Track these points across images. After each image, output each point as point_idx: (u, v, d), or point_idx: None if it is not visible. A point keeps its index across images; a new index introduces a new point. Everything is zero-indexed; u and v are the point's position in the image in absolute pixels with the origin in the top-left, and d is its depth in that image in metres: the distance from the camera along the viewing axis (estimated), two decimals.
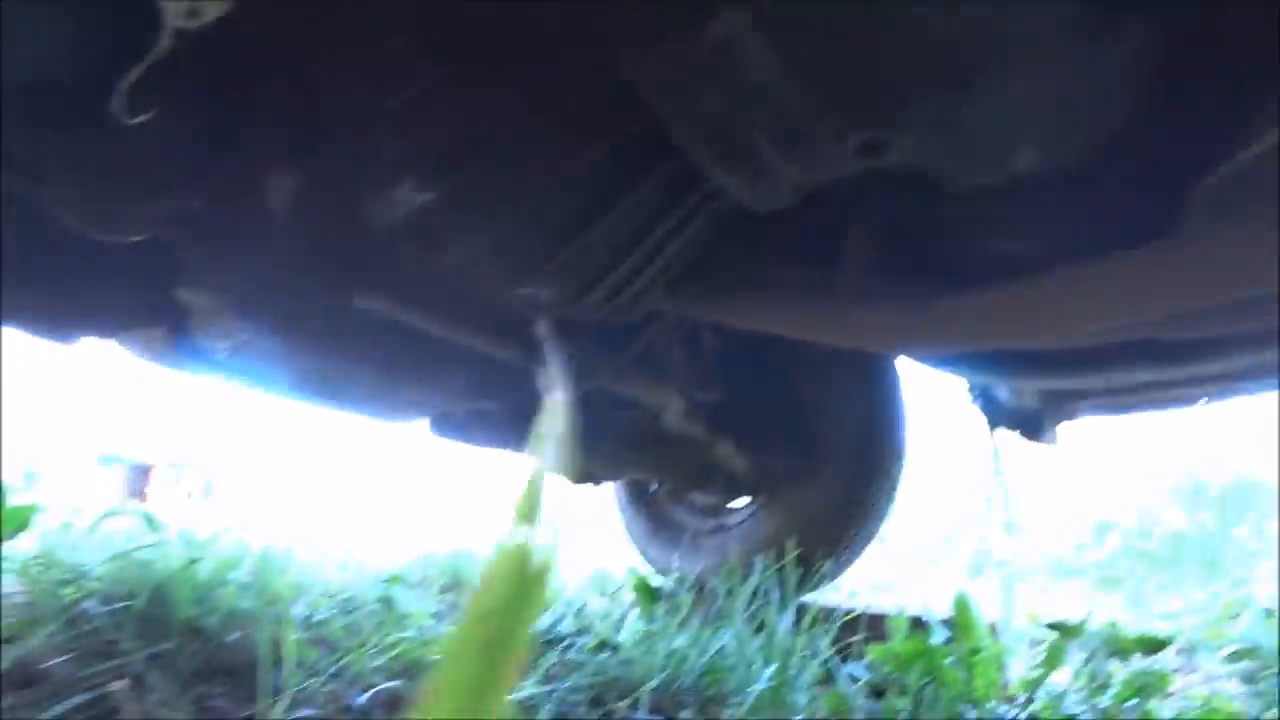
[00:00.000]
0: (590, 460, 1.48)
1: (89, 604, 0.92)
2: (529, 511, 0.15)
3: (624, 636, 1.24)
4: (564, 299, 0.81)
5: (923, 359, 1.32)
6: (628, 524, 1.91)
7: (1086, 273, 0.79)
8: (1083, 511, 3.54)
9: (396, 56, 0.60)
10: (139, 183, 0.69)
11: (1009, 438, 1.76)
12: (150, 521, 1.05)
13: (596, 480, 1.61)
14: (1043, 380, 1.39)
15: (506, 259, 0.72)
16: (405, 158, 0.64)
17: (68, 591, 0.97)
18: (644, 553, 1.91)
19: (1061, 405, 1.66)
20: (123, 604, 0.93)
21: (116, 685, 0.76)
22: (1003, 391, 1.61)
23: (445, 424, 1.41)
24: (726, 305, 1.01)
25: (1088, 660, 1.03)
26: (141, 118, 0.52)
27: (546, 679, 0.99)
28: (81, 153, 0.68)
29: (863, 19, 0.50)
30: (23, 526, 0.99)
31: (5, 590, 1.04)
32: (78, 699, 0.71)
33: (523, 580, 0.14)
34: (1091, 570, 3.22)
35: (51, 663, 0.80)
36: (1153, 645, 1.22)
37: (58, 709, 0.68)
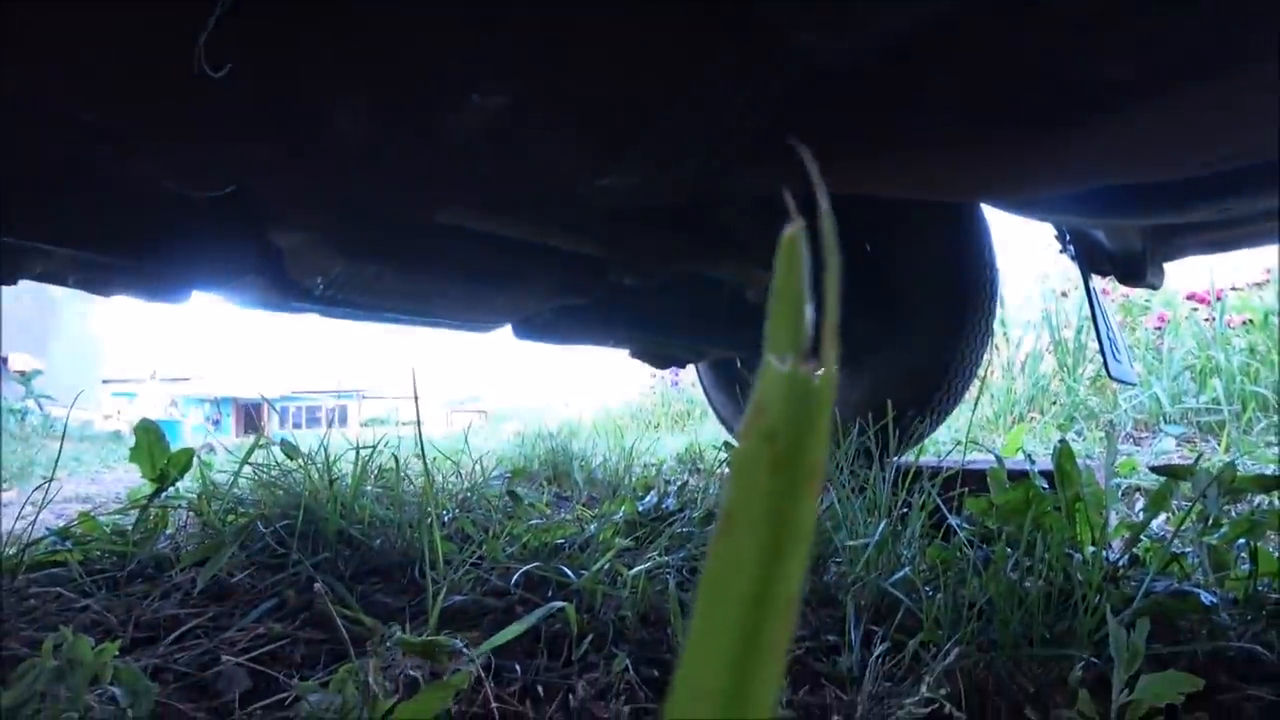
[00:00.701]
0: (674, 341, 1.50)
1: (254, 526, 1.02)
2: (793, 334, 0.15)
3: None
4: (645, 185, 0.80)
5: (1012, 206, 1.25)
6: (715, 403, 1.96)
7: (1188, 99, 0.72)
8: (1181, 358, 3.40)
9: None
10: (215, 131, 0.70)
11: (1106, 282, 1.67)
12: (290, 449, 1.15)
13: (681, 362, 1.64)
14: (1147, 217, 1.31)
15: (585, 152, 0.71)
16: (475, 63, 0.63)
17: (233, 518, 1.08)
18: (733, 429, 1.96)
19: (1168, 243, 1.57)
20: (282, 523, 1.03)
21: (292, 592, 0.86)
22: (1100, 233, 1.53)
23: (529, 326, 1.45)
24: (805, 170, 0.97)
25: (1195, 501, 1.02)
26: (222, 71, 0.53)
27: (665, 551, 1.06)
28: (159, 115, 0.69)
29: None
30: (186, 468, 1.10)
31: (183, 523, 1.16)
32: (266, 604, 0.81)
33: (804, 398, 0.14)
34: (1192, 417, 3.12)
35: (238, 577, 0.91)
36: (1267, 484, 1.19)
37: (254, 614, 0.78)
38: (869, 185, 0.96)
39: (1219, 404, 3.04)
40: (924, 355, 1.63)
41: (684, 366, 1.67)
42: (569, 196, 0.91)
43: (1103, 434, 2.95)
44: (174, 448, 1.14)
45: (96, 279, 1.15)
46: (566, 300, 1.23)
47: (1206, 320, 3.56)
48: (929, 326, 1.61)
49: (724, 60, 0.69)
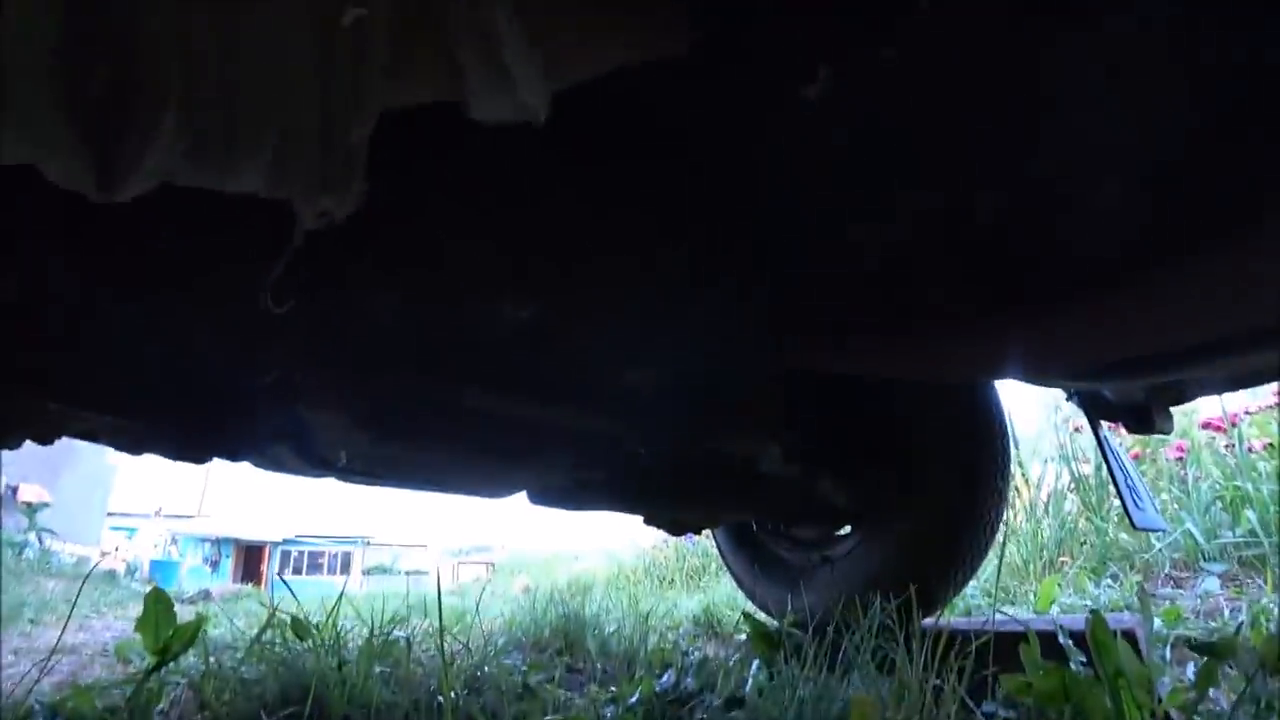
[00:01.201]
0: (687, 510, 1.49)
1: (257, 713, 0.99)
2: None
3: (750, 689, 1.24)
4: (665, 377, 0.84)
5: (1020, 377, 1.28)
6: (732, 565, 1.91)
7: (1182, 273, 0.76)
8: (1208, 489, 3.31)
9: (498, 191, 0.64)
10: (266, 332, 0.76)
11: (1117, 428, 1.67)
12: (299, 628, 1.13)
13: (696, 529, 1.62)
14: (1150, 379, 1.33)
15: (609, 354, 0.75)
16: (508, 281, 0.69)
17: (238, 703, 1.05)
18: (750, 593, 1.90)
19: (1172, 394, 1.58)
20: (285, 711, 0.99)
21: None
22: (1106, 389, 1.55)
23: (543, 493, 1.45)
24: (817, 354, 1.01)
25: (1247, 684, 0.96)
26: (287, 306, 0.58)
27: None
28: (216, 319, 0.75)
29: (932, 94, 0.51)
30: (190, 643, 1.08)
31: (179, 696, 1.12)
32: None
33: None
34: (1231, 552, 3.00)
35: None
36: None
37: None
38: (879, 369, 1.00)
39: (1256, 537, 2.92)
40: (944, 516, 1.60)
41: (699, 532, 1.65)
42: (593, 385, 0.95)
43: (1139, 578, 2.82)
44: (169, 588, 1.13)
45: (129, 439, 1.19)
46: (584, 475, 1.25)
47: (1227, 447, 3.50)
48: (947, 486, 1.60)
49: (735, 274, 0.75)
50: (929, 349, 0.93)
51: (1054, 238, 0.83)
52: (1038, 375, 1.04)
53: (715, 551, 1.99)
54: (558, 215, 0.67)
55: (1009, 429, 1.72)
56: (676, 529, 1.57)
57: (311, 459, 1.15)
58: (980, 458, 1.61)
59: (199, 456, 1.22)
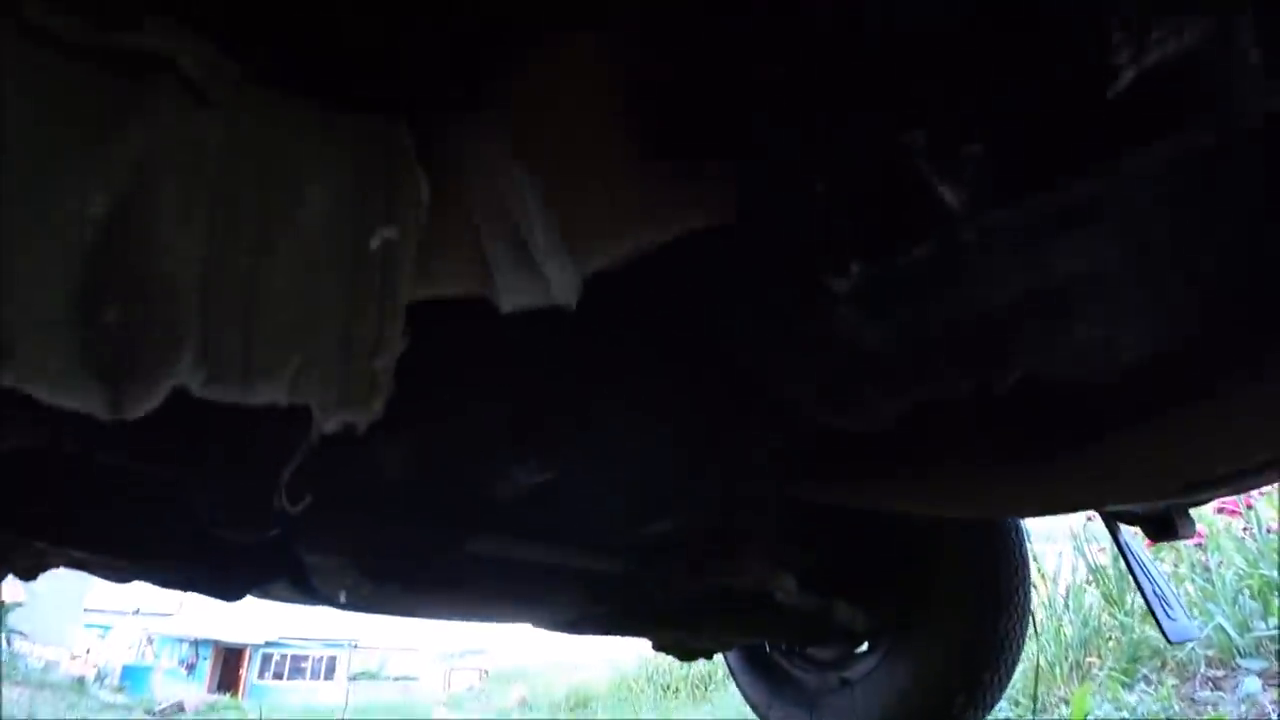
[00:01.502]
0: (699, 636, 1.42)
1: None
2: None
3: None
4: (678, 529, 0.81)
5: None
6: (745, 688, 1.81)
7: (1206, 411, 0.73)
8: (1234, 578, 3.20)
9: (513, 369, 0.63)
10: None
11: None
12: None
13: (709, 654, 1.54)
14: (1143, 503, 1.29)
15: (620, 513, 0.72)
16: (518, 449, 0.66)
17: None
18: (764, 715, 1.80)
19: (1191, 499, 1.54)
20: None
21: None
22: None
23: (549, 623, 1.39)
24: (838, 489, 0.98)
25: None
26: (301, 505, 0.56)
27: None
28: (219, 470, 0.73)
29: (963, 289, 0.50)
30: None
31: None
32: None
33: None
34: (1267, 645, 2.87)
35: None
36: None
37: None
38: (896, 505, 0.96)
39: None
40: (966, 633, 1.53)
41: (710, 658, 1.57)
42: (606, 533, 0.91)
43: (1174, 681, 2.69)
44: (140, 696, 1.06)
45: (119, 575, 1.14)
46: (591, 611, 1.19)
47: (1244, 530, 3.41)
48: (967, 602, 1.53)
49: (750, 430, 0.72)
50: (950, 490, 0.90)
51: (1077, 386, 0.82)
52: (1058, 511, 1.01)
53: (722, 658, 1.89)
54: (570, 380, 0.65)
55: (1025, 536, 1.67)
56: (687, 655, 1.49)
57: (310, 595, 1.10)
58: (999, 570, 1.55)
59: (188, 589, 1.17)
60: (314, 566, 1.01)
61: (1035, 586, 3.47)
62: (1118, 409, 0.90)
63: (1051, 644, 3.08)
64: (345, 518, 0.90)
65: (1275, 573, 3.07)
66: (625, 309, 0.64)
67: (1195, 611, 3.11)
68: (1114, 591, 3.33)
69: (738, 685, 1.84)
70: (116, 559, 1.02)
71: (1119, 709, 2.36)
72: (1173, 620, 1.58)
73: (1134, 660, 2.95)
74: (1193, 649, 2.96)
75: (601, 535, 0.77)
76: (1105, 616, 3.25)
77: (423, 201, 0.41)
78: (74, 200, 0.33)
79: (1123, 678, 2.78)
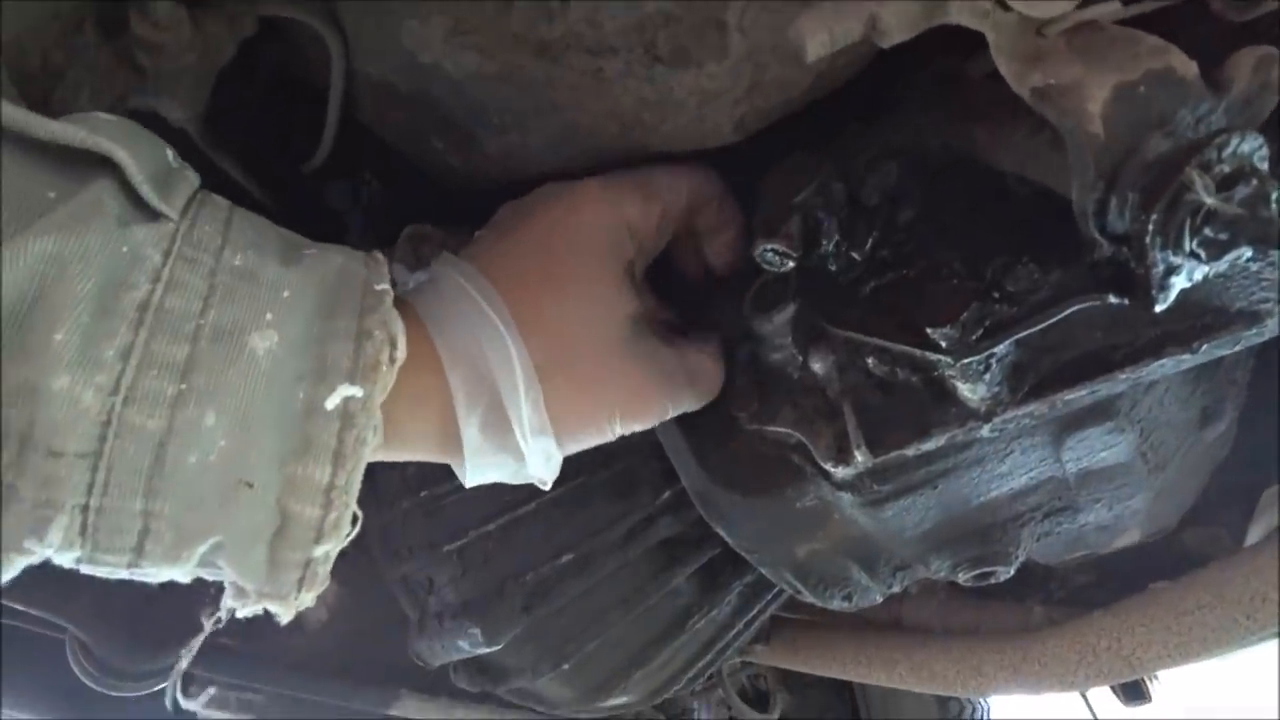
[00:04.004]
0: None
1: None
2: None
3: None
4: (639, 702, 0.72)
5: None
6: None
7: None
8: None
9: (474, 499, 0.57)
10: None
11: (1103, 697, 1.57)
12: None
13: None
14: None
15: (580, 685, 0.64)
16: (472, 601, 0.59)
17: None
18: None
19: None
20: None
21: None
22: None
23: None
24: (796, 655, 0.92)
25: None
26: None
27: None
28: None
29: (973, 489, 0.47)
30: None
31: None
32: None
33: None
34: None
35: None
36: None
37: None
38: (862, 673, 0.90)
39: None
40: None
41: None
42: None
43: None
44: None
45: None
46: None
47: None
48: None
49: (722, 600, 0.67)
50: (913, 665, 0.85)
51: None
52: (1037, 693, 0.97)
53: None
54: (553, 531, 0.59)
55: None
56: None
57: None
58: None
59: None
60: None
61: None
62: (1096, 585, 0.88)
63: None
64: (257, 674, 0.78)
65: None
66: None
67: None
68: None
69: None
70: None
71: None
72: None
73: None
74: None
75: (554, 706, 0.68)
76: None
77: (397, 358, 0.35)
78: None
79: None
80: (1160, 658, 0.75)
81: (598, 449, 0.47)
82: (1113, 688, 1.53)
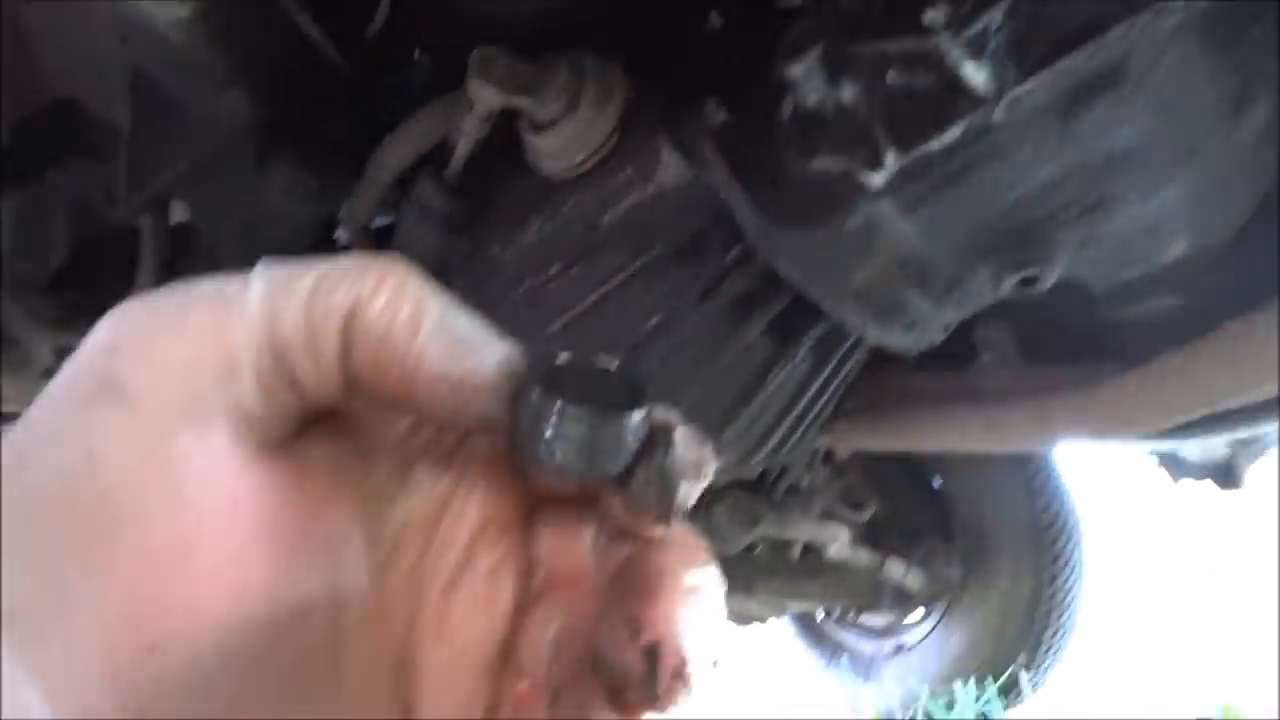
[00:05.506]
0: (753, 602, 1.44)
1: None
2: None
3: None
4: (731, 467, 0.83)
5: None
6: (799, 660, 1.82)
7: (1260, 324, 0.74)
8: None
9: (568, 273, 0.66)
10: None
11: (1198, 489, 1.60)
12: None
13: (763, 620, 1.55)
14: (1237, 431, 1.27)
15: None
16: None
17: None
18: (821, 688, 1.80)
19: (1256, 447, 1.51)
20: None
21: None
22: (1185, 449, 1.49)
23: None
24: (876, 432, 1.00)
25: None
26: None
27: None
28: None
29: (1002, 181, 0.53)
30: None
31: None
32: None
33: None
34: None
35: None
36: None
37: None
38: (938, 442, 0.98)
39: None
40: (1022, 594, 1.52)
41: (764, 623, 1.59)
42: None
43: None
44: None
45: None
46: None
47: None
48: (1021, 559, 1.52)
49: (800, 352, 0.75)
50: (987, 421, 0.91)
51: (1119, 298, 0.82)
52: (1107, 439, 1.01)
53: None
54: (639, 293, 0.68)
55: (1075, 486, 1.64)
56: (743, 620, 1.51)
57: None
58: (1056, 525, 1.54)
59: None
60: None
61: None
62: (1162, 329, 0.90)
63: None
64: None
65: None
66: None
67: None
68: None
69: (792, 659, 1.84)
70: None
71: None
72: None
73: None
74: None
75: None
76: None
77: None
78: None
79: None
80: (1233, 389, 0.79)
81: (668, 222, 0.55)
82: (1211, 477, 1.56)
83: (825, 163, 0.54)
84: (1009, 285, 0.60)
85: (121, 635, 0.16)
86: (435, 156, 0.74)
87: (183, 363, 0.17)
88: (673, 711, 0.16)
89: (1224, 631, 2.66)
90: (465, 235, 0.75)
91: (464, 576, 0.19)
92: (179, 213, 0.84)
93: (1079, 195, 0.56)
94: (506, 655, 0.19)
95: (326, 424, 0.20)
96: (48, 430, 0.17)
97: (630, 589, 0.18)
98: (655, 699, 0.16)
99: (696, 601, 0.17)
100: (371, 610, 0.19)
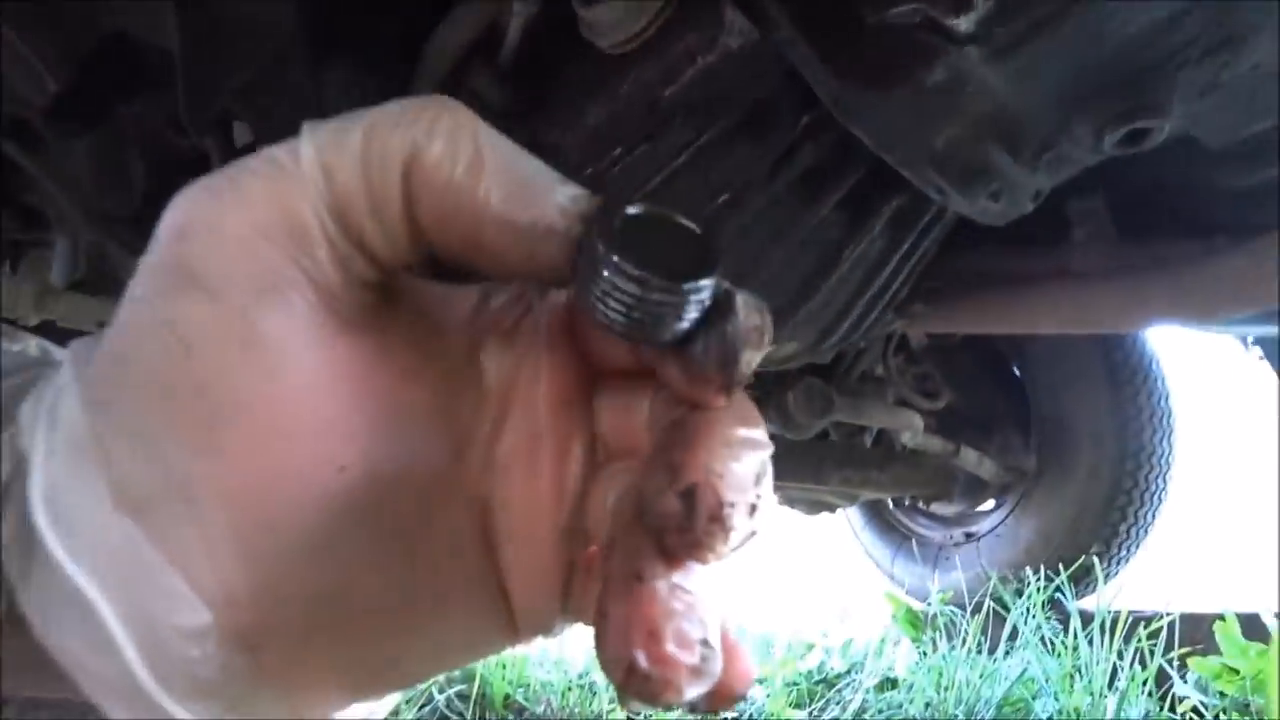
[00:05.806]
0: (825, 484, 1.46)
1: (429, 691, 1.07)
2: None
3: (902, 670, 1.20)
4: (806, 349, 0.82)
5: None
6: (867, 546, 1.86)
7: None
8: None
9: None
10: None
11: None
12: None
13: (833, 508, 1.58)
14: None
15: None
16: None
17: None
18: (889, 574, 1.84)
19: None
20: (455, 689, 1.07)
21: None
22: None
23: None
24: (956, 314, 0.96)
25: None
26: None
27: None
28: None
29: (1112, 15, 0.47)
30: None
31: None
32: None
33: None
34: None
35: None
36: None
37: None
38: (1022, 324, 0.94)
39: None
40: (1099, 482, 1.49)
41: (834, 512, 1.61)
42: None
43: None
44: None
45: None
46: None
47: None
48: (1100, 449, 1.48)
49: (875, 228, 0.72)
50: (1077, 303, 0.86)
51: (1237, 160, 0.75)
52: (1195, 321, 0.95)
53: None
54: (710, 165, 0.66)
55: (1165, 376, 1.56)
56: (814, 508, 1.54)
57: None
58: (1139, 417, 1.48)
59: None
60: None
61: None
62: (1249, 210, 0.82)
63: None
64: None
65: None
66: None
67: None
68: None
69: (861, 545, 1.88)
70: None
71: None
72: None
73: None
74: None
75: None
76: None
77: None
78: None
79: None
80: None
81: (734, 92, 0.52)
82: None
83: (905, 10, 0.50)
84: (1112, 142, 0.55)
85: (244, 515, 0.17)
86: (488, 46, 0.72)
87: (249, 236, 0.17)
88: (712, 560, 0.16)
89: None
90: (523, 123, 0.73)
91: (537, 452, 0.20)
92: (244, 135, 0.85)
93: (1204, 29, 0.49)
94: (577, 523, 0.20)
95: (399, 304, 0.20)
96: (139, 327, 0.18)
97: (675, 440, 0.18)
98: (694, 543, 0.16)
99: (739, 453, 0.17)
100: (454, 482, 0.20)
